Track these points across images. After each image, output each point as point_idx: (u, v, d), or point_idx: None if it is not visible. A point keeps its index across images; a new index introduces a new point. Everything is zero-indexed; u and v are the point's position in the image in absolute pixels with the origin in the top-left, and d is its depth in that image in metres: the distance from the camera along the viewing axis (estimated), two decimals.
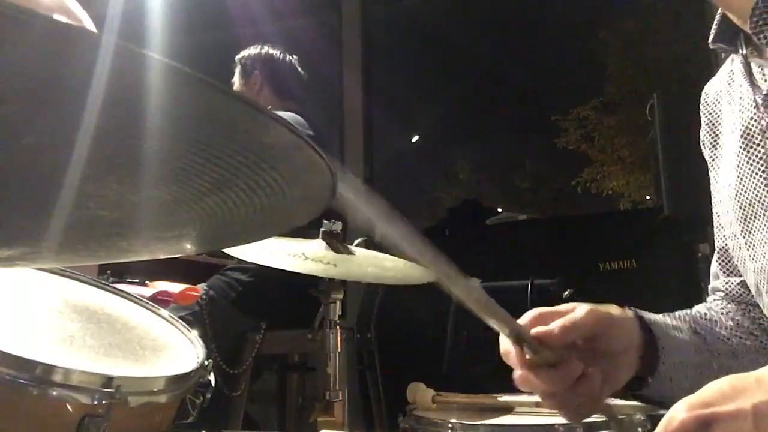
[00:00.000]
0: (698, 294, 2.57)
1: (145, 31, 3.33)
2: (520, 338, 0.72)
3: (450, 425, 0.98)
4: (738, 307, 0.97)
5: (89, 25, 1.62)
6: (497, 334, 0.75)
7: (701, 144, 1.02)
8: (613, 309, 0.82)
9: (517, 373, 0.75)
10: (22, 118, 0.37)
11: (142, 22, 3.36)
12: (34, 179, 0.43)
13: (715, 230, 1.02)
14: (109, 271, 1.60)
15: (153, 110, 0.35)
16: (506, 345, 0.75)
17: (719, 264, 1.02)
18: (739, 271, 0.96)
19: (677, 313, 0.95)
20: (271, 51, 2.65)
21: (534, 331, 0.74)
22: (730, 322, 0.95)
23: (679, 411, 0.55)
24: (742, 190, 0.88)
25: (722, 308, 0.98)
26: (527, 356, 0.73)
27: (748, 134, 0.87)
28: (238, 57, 2.66)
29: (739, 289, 0.97)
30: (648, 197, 9.37)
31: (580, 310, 0.77)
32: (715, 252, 1.02)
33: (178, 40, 4.01)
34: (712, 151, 1.00)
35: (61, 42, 0.31)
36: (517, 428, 1.04)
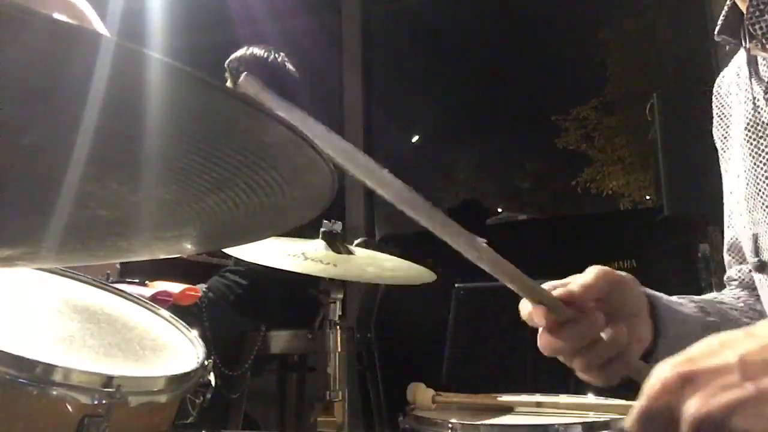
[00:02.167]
0: (698, 294, 2.57)
1: (145, 31, 3.33)
2: (540, 298, 0.72)
3: (450, 425, 0.98)
4: (752, 293, 0.98)
5: (97, 23, 1.61)
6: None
7: (714, 137, 1.04)
8: (623, 273, 0.81)
9: (542, 335, 0.73)
10: (22, 118, 0.37)
11: (142, 22, 3.36)
12: (34, 179, 0.43)
13: (726, 220, 1.03)
14: (108, 271, 1.59)
15: (153, 110, 0.35)
16: (527, 306, 0.74)
17: (730, 255, 1.03)
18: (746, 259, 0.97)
19: (685, 296, 0.94)
20: (257, 51, 2.62)
21: (554, 293, 0.74)
22: (741, 304, 0.95)
23: (663, 370, 0.51)
24: (748, 182, 0.88)
25: (734, 295, 0.99)
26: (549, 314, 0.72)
27: (753, 127, 0.87)
28: (226, 63, 2.64)
29: (752, 276, 0.97)
30: (648, 197, 9.37)
31: (590, 272, 0.77)
32: (725, 243, 1.03)
33: (178, 40, 4.01)
34: (722, 143, 1.01)
35: (61, 42, 0.31)
36: (517, 428, 1.04)
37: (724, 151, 1.01)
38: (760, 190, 0.86)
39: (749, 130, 0.88)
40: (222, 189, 0.45)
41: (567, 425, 0.95)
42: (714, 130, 1.03)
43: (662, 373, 0.51)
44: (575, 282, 0.75)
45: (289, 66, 2.65)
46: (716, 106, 1.03)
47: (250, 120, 0.39)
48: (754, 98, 0.87)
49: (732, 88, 0.99)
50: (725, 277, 1.05)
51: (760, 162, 0.86)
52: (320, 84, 3.97)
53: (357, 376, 2.47)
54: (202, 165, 0.41)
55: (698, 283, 2.57)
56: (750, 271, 0.97)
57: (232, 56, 2.65)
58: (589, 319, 0.71)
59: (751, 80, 0.88)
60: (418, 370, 1.38)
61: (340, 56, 3.92)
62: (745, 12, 0.86)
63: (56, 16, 0.31)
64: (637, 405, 0.52)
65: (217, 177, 0.43)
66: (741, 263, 1.01)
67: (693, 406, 0.47)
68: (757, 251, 0.90)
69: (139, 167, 0.42)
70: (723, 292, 1.01)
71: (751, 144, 0.88)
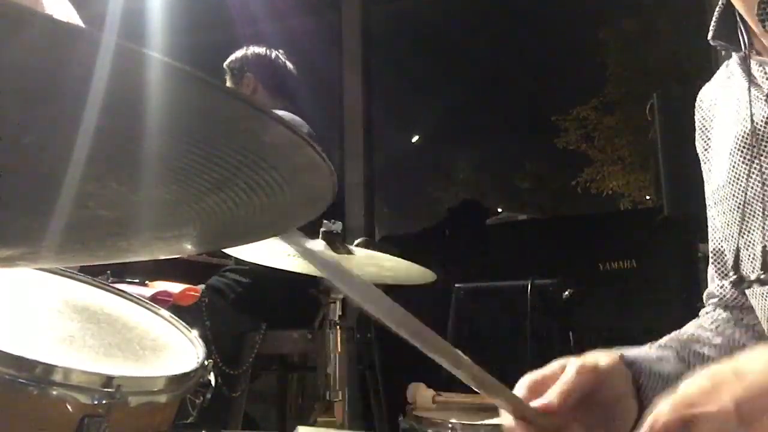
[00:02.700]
0: (698, 294, 2.56)
1: (145, 31, 3.33)
2: (522, 413, 0.71)
3: (450, 425, 0.98)
4: (731, 315, 0.96)
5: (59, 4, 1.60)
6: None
7: (697, 148, 1.03)
8: (600, 358, 0.80)
9: None
10: (22, 118, 0.37)
11: (142, 22, 3.36)
12: (34, 179, 0.43)
13: (710, 232, 1.01)
14: (109, 271, 1.59)
15: (153, 110, 0.35)
16: (508, 420, 0.74)
17: (714, 266, 1.00)
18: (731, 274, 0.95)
19: (663, 341, 0.93)
20: (257, 50, 2.63)
21: (533, 404, 0.73)
22: (719, 339, 0.93)
23: (663, 412, 0.55)
24: (738, 189, 0.87)
25: (713, 322, 0.97)
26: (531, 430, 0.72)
27: (746, 134, 0.86)
28: (225, 64, 2.65)
29: (733, 292, 0.95)
30: (648, 197, 9.37)
31: (570, 370, 0.75)
32: (710, 255, 1.01)
33: (178, 40, 4.01)
34: (704, 155, 1.00)
35: (61, 42, 0.31)
36: None
37: (705, 163, 0.99)
38: (755, 195, 0.85)
39: (744, 137, 0.87)
40: (222, 189, 0.45)
41: None
42: (697, 142, 1.02)
43: (662, 414, 0.55)
44: (556, 388, 0.74)
45: (289, 65, 2.66)
46: (698, 120, 1.01)
47: (250, 120, 0.39)
48: (751, 104, 0.86)
49: (717, 100, 0.97)
50: (705, 295, 1.02)
51: (755, 169, 0.85)
52: (320, 84, 3.97)
53: (357, 376, 2.47)
54: (202, 165, 0.41)
55: (698, 283, 2.57)
56: (731, 287, 0.95)
57: (231, 57, 2.65)
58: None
59: (749, 88, 0.87)
60: (418, 370, 1.38)
61: (340, 56, 3.92)
62: (743, 12, 0.85)
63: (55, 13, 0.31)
64: None
65: (217, 177, 0.43)
66: (723, 277, 0.98)
67: None
68: (737, 266, 0.89)
69: (139, 167, 0.42)
70: (702, 322, 0.98)
71: (742, 151, 0.86)
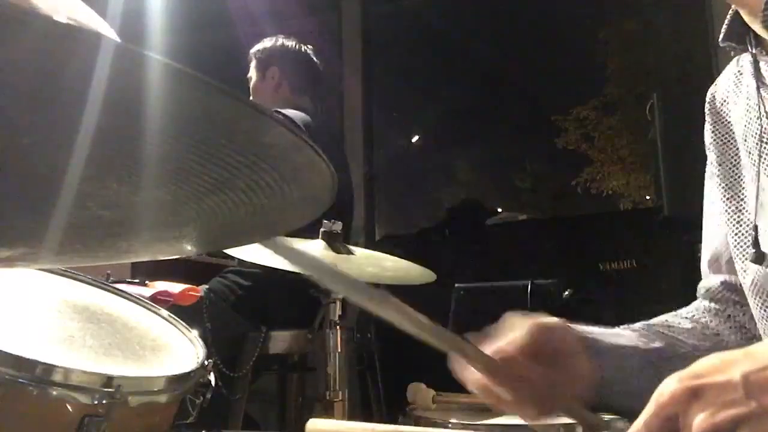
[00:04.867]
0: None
1: (145, 31, 3.33)
2: (485, 364, 0.74)
3: (450, 425, 0.98)
4: (714, 306, 0.97)
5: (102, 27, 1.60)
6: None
7: (706, 147, 1.02)
8: (547, 318, 0.82)
9: (478, 385, 0.77)
10: (22, 118, 0.37)
11: (142, 22, 3.36)
12: (34, 179, 0.43)
13: (705, 236, 1.01)
14: (109, 271, 1.59)
15: (153, 110, 0.35)
16: (475, 377, 0.77)
17: (710, 268, 1.01)
18: (724, 269, 0.96)
19: (635, 325, 0.94)
20: (287, 43, 2.57)
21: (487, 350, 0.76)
22: (688, 324, 0.94)
23: (671, 383, 0.56)
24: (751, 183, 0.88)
25: (690, 311, 0.98)
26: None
27: (756, 134, 0.86)
28: (252, 51, 2.58)
29: (721, 289, 0.97)
30: (648, 197, 9.36)
31: (515, 326, 0.79)
32: (707, 259, 1.01)
33: (178, 40, 4.01)
34: (721, 151, 0.99)
35: (61, 42, 0.31)
36: (517, 428, 1.04)
37: (722, 162, 0.98)
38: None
39: (755, 137, 0.87)
40: (222, 189, 0.45)
41: (567, 425, 0.95)
42: (708, 141, 1.01)
43: (670, 384, 0.56)
44: (503, 341, 0.77)
45: (316, 59, 2.62)
46: (711, 115, 1.00)
47: (250, 120, 0.39)
48: (760, 105, 0.86)
49: (729, 97, 0.97)
50: (698, 287, 1.03)
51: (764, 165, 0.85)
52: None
53: (357, 376, 2.47)
54: (202, 165, 0.41)
55: (698, 283, 2.56)
56: (720, 283, 0.96)
57: (260, 46, 2.59)
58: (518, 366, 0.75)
59: (758, 90, 0.87)
60: (418, 370, 1.38)
61: (340, 56, 3.92)
62: (747, 19, 0.85)
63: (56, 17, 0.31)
64: (645, 412, 0.56)
65: (217, 177, 0.43)
66: (717, 272, 0.99)
67: (700, 419, 0.52)
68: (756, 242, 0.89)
69: (139, 167, 0.42)
70: (681, 311, 0.99)
71: (757, 149, 0.87)
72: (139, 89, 0.34)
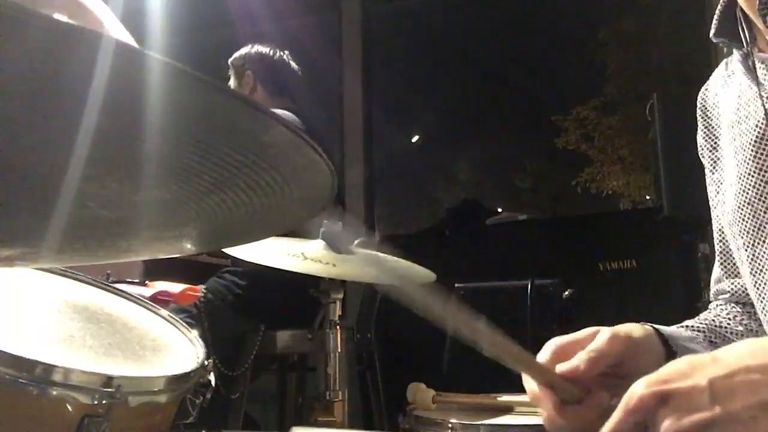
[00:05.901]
0: (698, 294, 2.57)
1: (145, 31, 3.33)
2: (547, 380, 0.71)
3: (450, 425, 0.98)
4: (744, 309, 0.96)
5: (113, 24, 1.60)
6: None
7: (699, 151, 1.02)
8: (634, 329, 0.79)
9: (547, 414, 0.72)
10: (22, 118, 0.37)
11: (142, 22, 3.36)
12: (34, 179, 0.43)
13: (715, 234, 1.00)
14: (109, 271, 1.59)
15: (153, 110, 0.35)
16: (532, 387, 0.73)
17: (722, 268, 1.00)
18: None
19: (689, 323, 0.92)
20: (261, 49, 2.65)
21: (559, 368, 0.72)
22: (740, 327, 0.94)
23: (638, 388, 0.56)
24: (746, 188, 0.87)
25: (728, 313, 0.97)
26: (555, 397, 0.71)
27: (760, 141, 0.85)
28: (230, 60, 2.67)
29: (746, 290, 0.95)
30: (648, 197, 9.37)
31: (601, 337, 0.74)
32: (717, 256, 1.00)
33: (178, 40, 4.01)
34: (711, 156, 0.99)
35: (61, 42, 0.31)
36: (517, 428, 1.04)
37: (715, 164, 0.98)
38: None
39: (756, 145, 0.86)
40: (222, 189, 0.45)
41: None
42: (700, 144, 1.01)
43: (637, 390, 0.57)
44: (585, 353, 0.72)
45: (293, 66, 2.67)
46: (702, 119, 1.00)
47: (250, 120, 0.39)
48: (763, 101, 0.85)
49: (719, 98, 0.97)
50: (713, 291, 1.02)
51: (763, 180, 0.84)
52: (320, 84, 3.97)
53: (357, 376, 2.47)
54: (202, 165, 0.41)
55: (698, 283, 2.57)
56: (744, 284, 0.94)
57: (236, 54, 2.67)
58: (593, 401, 0.70)
59: (753, 87, 0.86)
60: (418, 370, 1.38)
61: (340, 56, 3.92)
62: (746, 8, 0.84)
63: (57, 15, 0.31)
64: (613, 417, 0.57)
65: (217, 177, 0.43)
66: (733, 277, 0.98)
67: (667, 424, 0.54)
68: None
69: (139, 167, 0.42)
70: (718, 312, 0.98)
71: (759, 161, 0.86)
72: (140, 89, 0.34)
